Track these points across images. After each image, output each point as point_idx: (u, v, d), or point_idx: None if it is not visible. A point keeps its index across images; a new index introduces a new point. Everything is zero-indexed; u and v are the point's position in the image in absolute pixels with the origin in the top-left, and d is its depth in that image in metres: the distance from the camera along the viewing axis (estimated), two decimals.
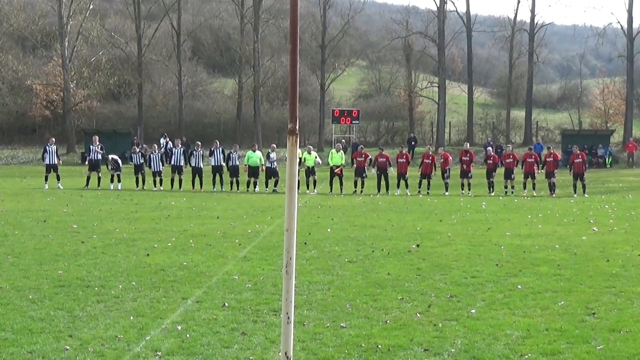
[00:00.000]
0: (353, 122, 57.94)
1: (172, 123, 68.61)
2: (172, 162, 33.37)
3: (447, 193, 31.40)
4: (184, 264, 12.50)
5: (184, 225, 18.46)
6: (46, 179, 33.32)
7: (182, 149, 33.88)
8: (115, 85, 72.34)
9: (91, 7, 67.57)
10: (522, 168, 32.10)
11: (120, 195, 28.46)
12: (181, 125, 65.19)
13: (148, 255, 13.41)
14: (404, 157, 32.55)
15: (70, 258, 12.97)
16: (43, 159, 34.29)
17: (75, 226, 17.80)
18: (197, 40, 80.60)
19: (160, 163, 33.38)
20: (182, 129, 64.08)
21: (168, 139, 54.15)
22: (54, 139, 36.24)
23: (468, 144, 35.09)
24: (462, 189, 31.78)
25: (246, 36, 67.71)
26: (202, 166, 32.93)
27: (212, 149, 33.44)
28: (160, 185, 32.64)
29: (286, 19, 62.16)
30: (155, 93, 71.45)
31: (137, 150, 34.99)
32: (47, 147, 33.95)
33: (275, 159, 32.59)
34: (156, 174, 32.96)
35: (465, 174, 32.03)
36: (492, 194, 31.40)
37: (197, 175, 32.63)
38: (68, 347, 7.52)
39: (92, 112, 69.72)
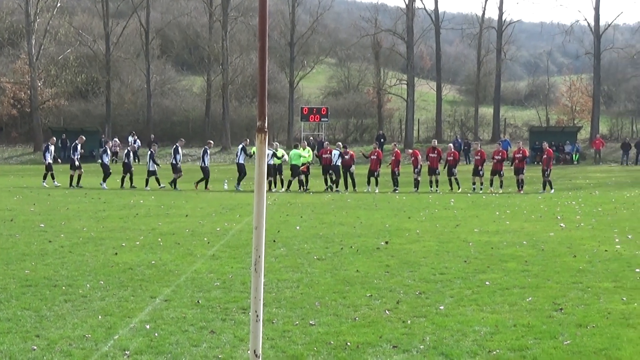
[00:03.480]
0: (322, 119, 57.89)
1: (141, 121, 68.22)
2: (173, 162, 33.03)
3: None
4: (153, 262, 12.45)
5: (153, 223, 18.37)
6: (53, 177, 33.67)
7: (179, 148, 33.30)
8: (83, 83, 71.82)
9: (59, 4, 67.08)
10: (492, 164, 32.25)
11: (88, 194, 28.25)
12: (150, 124, 64.89)
13: (116, 254, 13.33)
14: (376, 154, 32.57)
15: (38, 257, 12.86)
16: (45, 157, 33.89)
17: (43, 225, 17.65)
18: (166, 38, 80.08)
19: (154, 162, 33.01)
20: (151, 127, 63.79)
21: (136, 137, 53.83)
22: (54, 139, 36.52)
23: (436, 141, 35.12)
24: (431, 187, 31.82)
25: (215, 34, 67.56)
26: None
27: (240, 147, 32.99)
28: (150, 184, 32.38)
29: (255, 16, 61.76)
30: (123, 91, 70.97)
31: (129, 148, 34.41)
32: (49, 147, 34.03)
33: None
34: (150, 173, 32.63)
35: (433, 170, 32.08)
36: (459, 190, 31.52)
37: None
38: (35, 347, 7.46)
39: (60, 110, 69.02)
